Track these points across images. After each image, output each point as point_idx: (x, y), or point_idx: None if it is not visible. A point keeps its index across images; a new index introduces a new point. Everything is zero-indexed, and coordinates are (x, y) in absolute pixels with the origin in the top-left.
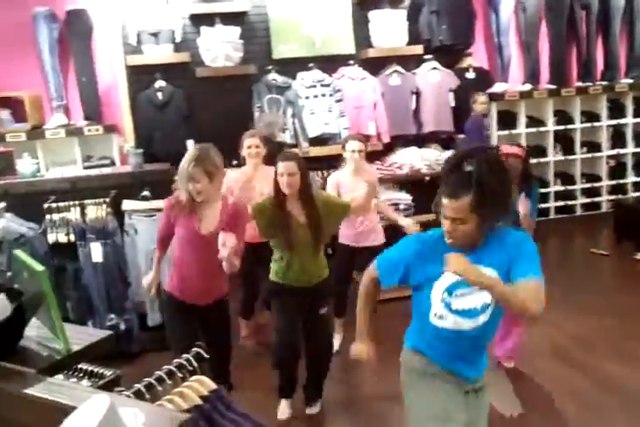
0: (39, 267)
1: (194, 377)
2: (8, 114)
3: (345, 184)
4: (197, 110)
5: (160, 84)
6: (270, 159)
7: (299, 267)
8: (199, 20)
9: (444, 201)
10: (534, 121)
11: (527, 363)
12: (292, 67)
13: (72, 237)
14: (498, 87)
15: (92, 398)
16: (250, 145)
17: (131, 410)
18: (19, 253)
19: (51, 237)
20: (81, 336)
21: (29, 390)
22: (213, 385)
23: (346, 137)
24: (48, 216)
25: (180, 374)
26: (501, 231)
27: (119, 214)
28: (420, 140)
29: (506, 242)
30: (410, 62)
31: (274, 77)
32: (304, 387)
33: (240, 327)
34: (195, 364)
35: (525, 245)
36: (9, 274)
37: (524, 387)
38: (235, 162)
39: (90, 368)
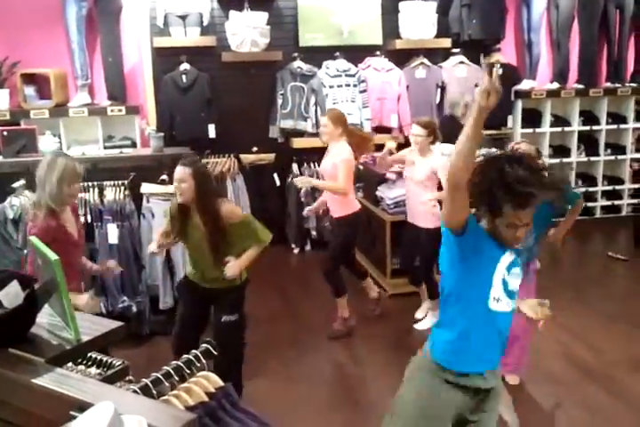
0: (53, 255)
1: (201, 373)
2: (33, 90)
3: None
4: (220, 95)
5: (185, 67)
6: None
7: (199, 270)
8: (228, 4)
9: (517, 211)
10: (559, 120)
11: (537, 366)
12: (317, 55)
13: (89, 218)
14: (525, 84)
15: (97, 405)
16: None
17: (135, 418)
18: (34, 239)
19: None
20: (92, 326)
21: (37, 380)
22: (220, 382)
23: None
24: None
25: (187, 370)
26: None
27: (137, 197)
28: None
29: None
30: (437, 55)
31: (299, 65)
32: None
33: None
34: (203, 360)
35: None
36: (25, 251)
37: (532, 391)
38: (255, 149)
39: (99, 357)
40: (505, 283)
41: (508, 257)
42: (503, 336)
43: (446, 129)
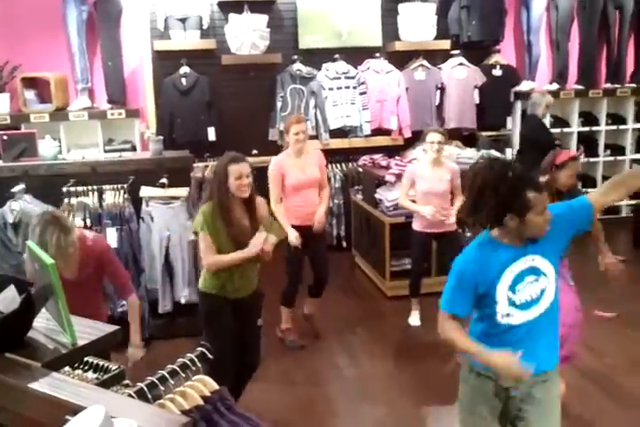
0: (48, 259)
1: (196, 376)
2: (33, 94)
3: (424, 175)
4: (220, 98)
5: (185, 70)
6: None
7: (240, 277)
8: (227, 7)
9: (536, 195)
10: (559, 121)
11: None
12: (317, 57)
13: (88, 222)
14: (524, 86)
15: (88, 409)
16: (297, 131)
17: (126, 421)
18: (30, 244)
19: None
20: (88, 330)
21: (33, 385)
22: (216, 385)
23: (426, 129)
24: (66, 200)
25: (182, 374)
26: None
27: (136, 201)
28: None
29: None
30: (436, 57)
31: (298, 68)
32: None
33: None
34: (198, 364)
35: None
36: (25, 255)
37: None
38: (255, 151)
39: (95, 361)
40: (511, 300)
41: (515, 268)
42: (539, 337)
43: (532, 130)
